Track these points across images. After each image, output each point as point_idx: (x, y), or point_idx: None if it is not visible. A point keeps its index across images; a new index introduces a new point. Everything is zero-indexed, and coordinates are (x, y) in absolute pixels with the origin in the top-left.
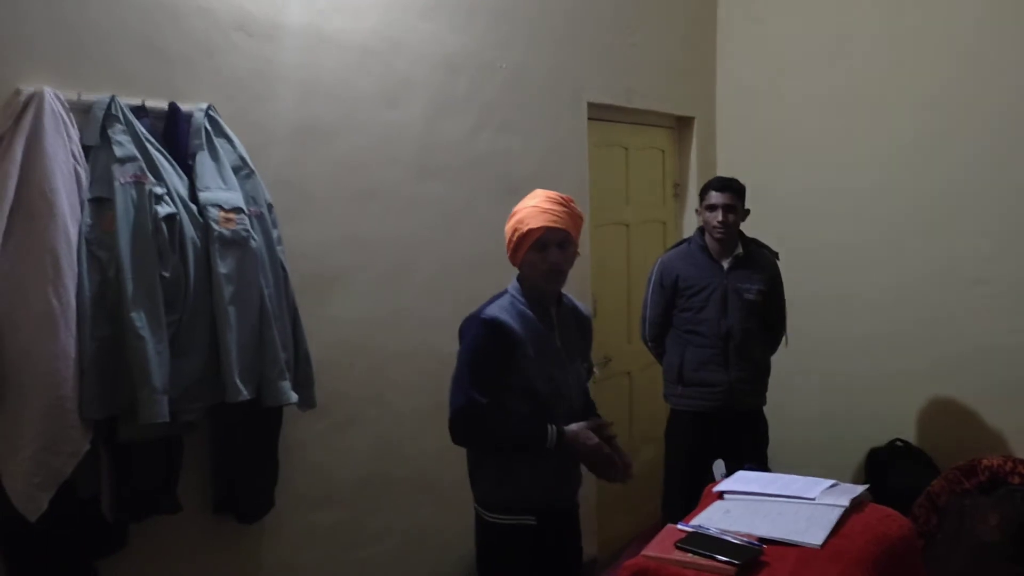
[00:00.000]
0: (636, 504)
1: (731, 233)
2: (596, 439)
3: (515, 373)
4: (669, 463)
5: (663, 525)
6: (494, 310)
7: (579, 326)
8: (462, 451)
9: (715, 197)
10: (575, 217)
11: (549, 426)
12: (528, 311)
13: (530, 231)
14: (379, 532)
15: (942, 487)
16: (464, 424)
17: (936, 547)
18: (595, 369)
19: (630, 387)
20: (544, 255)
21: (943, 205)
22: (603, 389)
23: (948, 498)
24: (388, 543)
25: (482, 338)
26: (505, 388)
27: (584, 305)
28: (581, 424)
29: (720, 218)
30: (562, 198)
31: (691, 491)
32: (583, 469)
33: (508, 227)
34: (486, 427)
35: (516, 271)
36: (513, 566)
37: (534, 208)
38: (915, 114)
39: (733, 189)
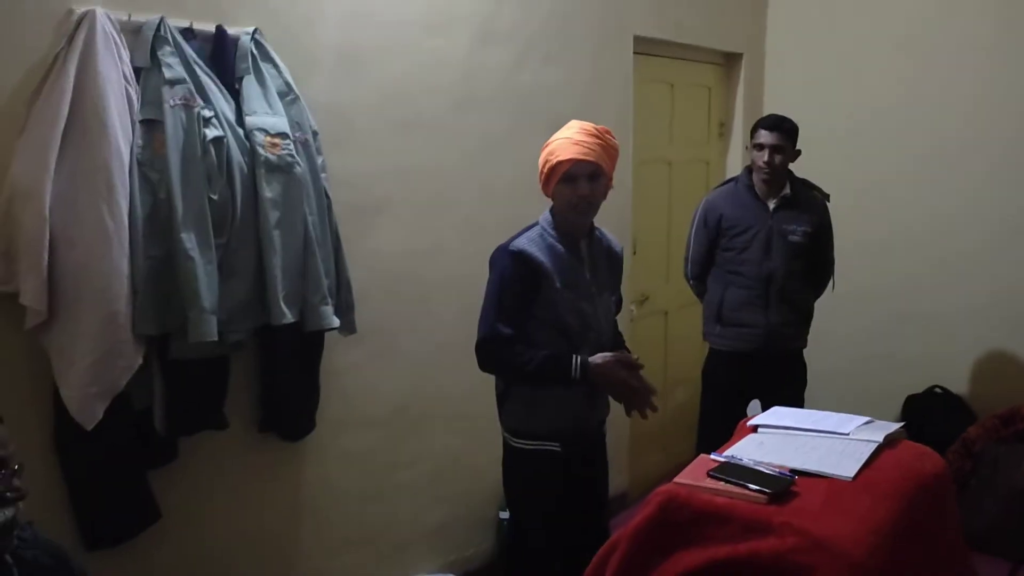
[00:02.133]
0: (669, 442)
1: (777, 174)
2: (621, 371)
3: (542, 305)
4: (705, 401)
5: None
6: (522, 242)
7: (610, 260)
8: (493, 380)
9: (764, 136)
10: (609, 149)
11: (574, 357)
12: (557, 243)
13: (559, 163)
14: (413, 458)
15: (978, 434)
16: (487, 354)
17: (969, 492)
18: (632, 306)
19: (666, 326)
20: (573, 187)
21: (993, 149)
22: (639, 328)
23: (984, 444)
24: (421, 468)
25: (508, 269)
26: (532, 319)
27: (616, 240)
28: (606, 355)
29: (766, 158)
30: (596, 129)
31: (726, 430)
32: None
33: (541, 158)
34: (509, 358)
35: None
36: (538, 490)
37: (566, 140)
38: (972, 56)
39: (783, 130)
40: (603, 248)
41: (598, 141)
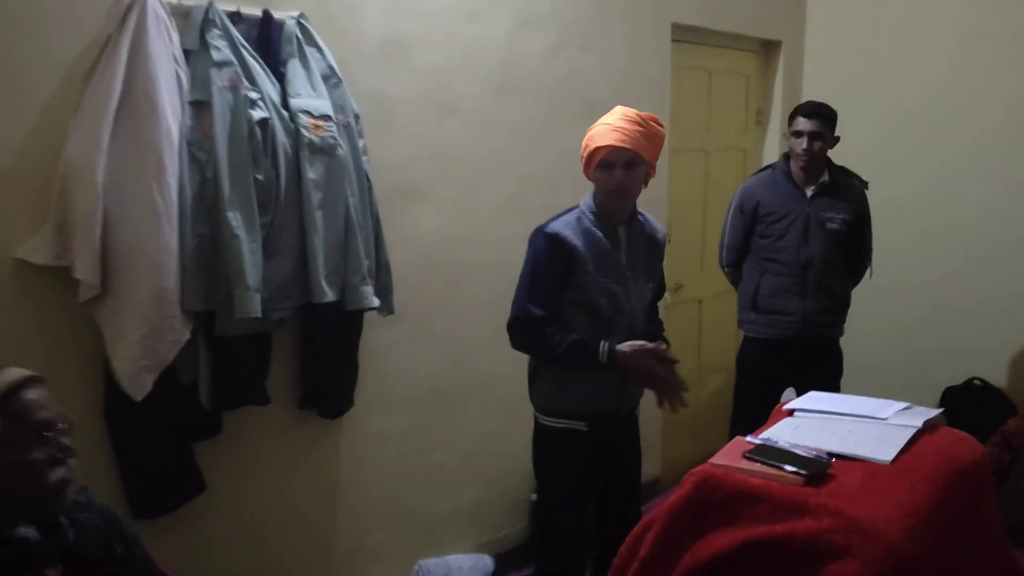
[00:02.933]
0: (702, 430)
1: (816, 161)
2: (648, 360)
3: (574, 288)
4: (739, 389)
5: None
6: (559, 224)
7: (650, 246)
8: (527, 363)
9: (802, 123)
10: (651, 137)
11: (601, 343)
12: (594, 228)
13: (597, 149)
14: (447, 439)
15: (1018, 427)
16: (517, 333)
17: (1009, 485)
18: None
19: (700, 315)
20: (610, 174)
21: None
22: (673, 316)
23: None
24: (455, 449)
25: (542, 251)
26: (567, 302)
27: (660, 226)
28: (635, 343)
29: (805, 145)
30: (640, 117)
31: (760, 418)
32: None
33: (584, 141)
34: (538, 339)
35: (591, 187)
36: (562, 467)
37: (606, 126)
38: (1018, 44)
39: (822, 116)
40: (644, 234)
41: (639, 128)
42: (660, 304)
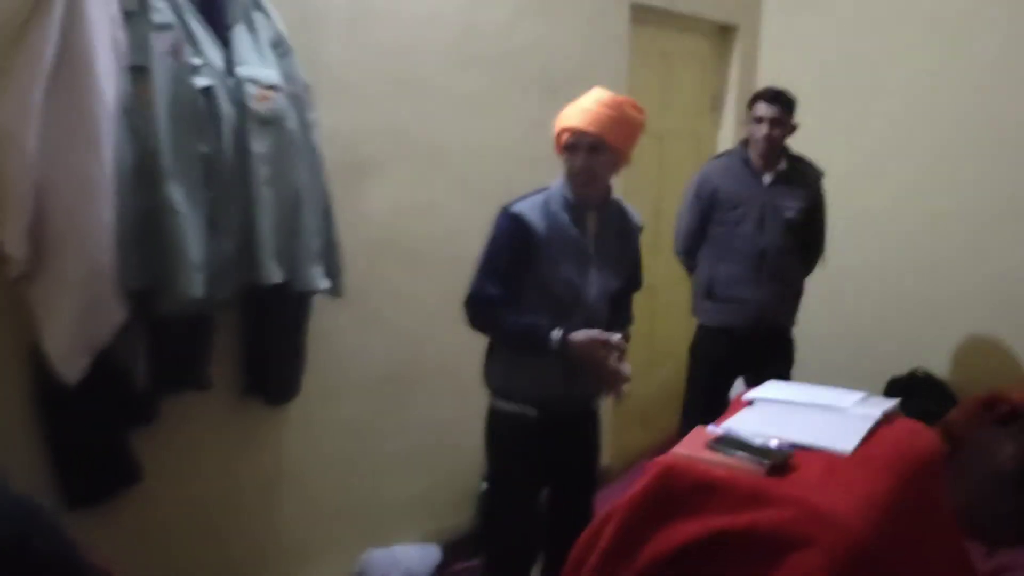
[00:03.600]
0: (652, 418)
1: (775, 148)
2: (599, 350)
3: (533, 272)
4: (692, 377)
5: (680, 437)
6: (524, 205)
7: (621, 235)
8: (481, 349)
9: (763, 109)
10: (623, 123)
11: (555, 329)
12: (561, 211)
13: (563, 129)
14: (397, 427)
15: (959, 417)
16: (472, 311)
17: (947, 475)
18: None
19: (654, 302)
20: (573, 157)
21: (989, 134)
22: None
23: (964, 428)
24: (405, 438)
25: (503, 230)
26: (525, 284)
27: (637, 214)
28: (588, 332)
29: (765, 131)
30: (615, 101)
31: (712, 406)
32: None
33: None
34: (491, 319)
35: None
36: (511, 451)
37: (576, 107)
38: (972, 31)
39: (782, 102)
40: (616, 221)
41: (610, 113)
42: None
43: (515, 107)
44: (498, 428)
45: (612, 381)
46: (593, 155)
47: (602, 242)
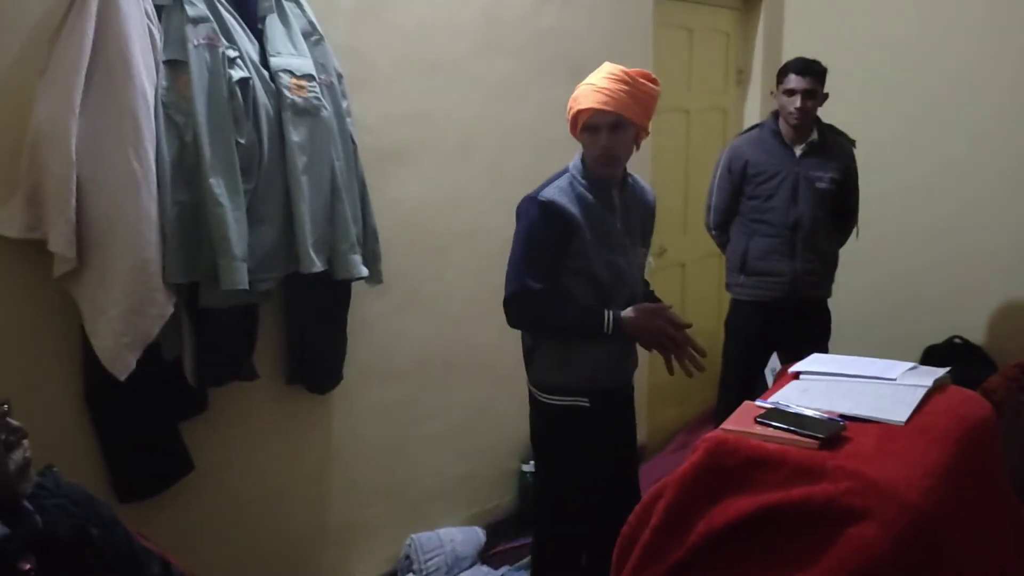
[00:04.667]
0: (686, 395)
1: (808, 120)
2: (657, 319)
3: (573, 257)
4: (728, 352)
5: (718, 413)
6: (552, 191)
7: (643, 210)
8: (517, 332)
9: (794, 81)
10: (640, 97)
11: (605, 312)
12: (588, 193)
13: (580, 111)
14: (437, 410)
15: (999, 383)
16: (516, 309)
17: None
18: (650, 258)
19: (683, 278)
20: (595, 139)
21: (1018, 96)
22: (656, 280)
23: (1004, 393)
24: (445, 421)
25: (537, 221)
26: (567, 272)
27: (651, 188)
28: (639, 306)
29: (798, 104)
30: (628, 75)
31: (748, 380)
32: (639, 352)
33: (570, 102)
34: (539, 313)
35: (579, 147)
36: (566, 444)
37: (590, 87)
38: (1000, 4)
39: (814, 72)
40: (636, 198)
41: (625, 88)
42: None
43: (541, 91)
44: (551, 424)
45: (679, 351)
46: (614, 134)
47: (628, 219)
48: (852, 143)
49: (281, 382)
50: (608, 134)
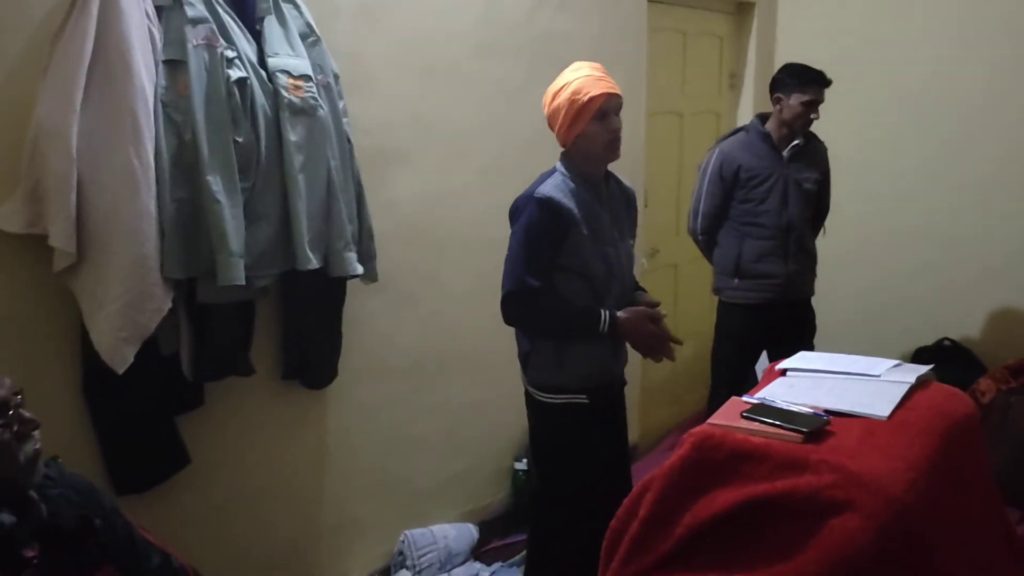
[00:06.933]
0: (678, 395)
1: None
2: (648, 324)
3: (570, 254)
4: (719, 354)
5: (709, 414)
6: (548, 188)
7: (626, 203)
8: (511, 332)
9: (817, 93)
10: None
11: (602, 312)
12: (581, 189)
13: (592, 99)
14: (431, 408)
15: (988, 385)
16: (516, 308)
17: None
18: (643, 259)
19: (676, 280)
20: (606, 123)
21: (1010, 107)
22: (649, 281)
23: (994, 395)
24: (439, 419)
25: (535, 218)
26: (560, 269)
27: (628, 181)
28: (634, 309)
29: (815, 115)
30: (600, 66)
31: (740, 381)
32: (629, 348)
33: (561, 100)
34: (537, 312)
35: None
36: (568, 442)
37: (588, 77)
38: (992, 9)
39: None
40: (620, 192)
41: (606, 75)
42: (636, 269)
43: (537, 94)
44: (551, 423)
45: (662, 348)
46: (618, 117)
47: (616, 213)
48: (824, 145)
49: (277, 378)
50: (616, 118)
